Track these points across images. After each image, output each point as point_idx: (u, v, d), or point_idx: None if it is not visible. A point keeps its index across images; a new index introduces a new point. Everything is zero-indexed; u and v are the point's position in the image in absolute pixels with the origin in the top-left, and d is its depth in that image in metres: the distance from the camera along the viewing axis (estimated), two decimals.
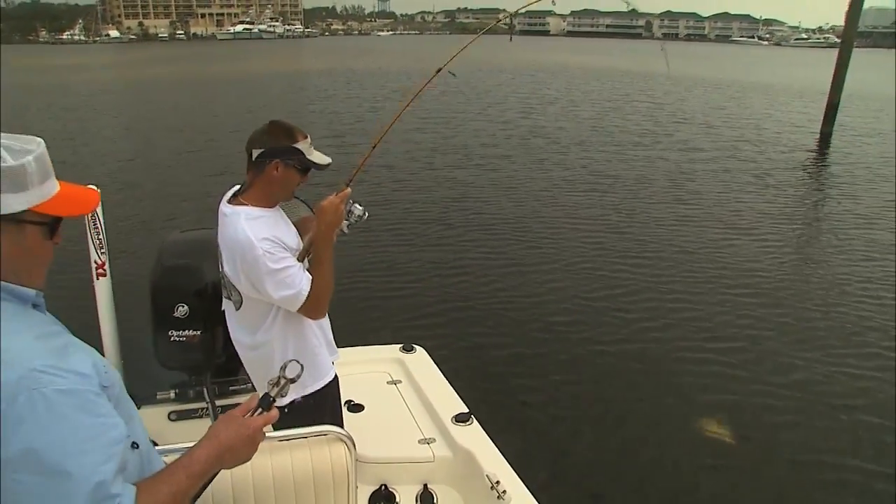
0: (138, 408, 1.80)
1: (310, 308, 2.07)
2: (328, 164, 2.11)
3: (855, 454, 4.01)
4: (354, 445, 1.92)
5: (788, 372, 5.01)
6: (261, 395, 1.30)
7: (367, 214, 2.21)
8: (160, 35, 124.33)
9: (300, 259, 2.11)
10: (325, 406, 2.28)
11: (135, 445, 1.16)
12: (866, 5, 17.40)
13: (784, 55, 74.94)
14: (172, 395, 2.93)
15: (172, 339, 2.63)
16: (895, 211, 9.90)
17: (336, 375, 2.35)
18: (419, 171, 12.23)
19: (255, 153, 2.04)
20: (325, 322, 2.33)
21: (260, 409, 1.28)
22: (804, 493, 3.74)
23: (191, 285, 2.62)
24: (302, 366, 1.38)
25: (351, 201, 2.16)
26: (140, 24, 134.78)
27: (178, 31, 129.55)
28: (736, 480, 3.81)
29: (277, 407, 1.33)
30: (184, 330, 2.63)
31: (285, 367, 1.35)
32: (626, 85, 31.37)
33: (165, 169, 12.28)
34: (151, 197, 10.04)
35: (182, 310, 2.59)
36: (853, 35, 16.82)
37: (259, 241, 1.97)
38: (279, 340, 2.16)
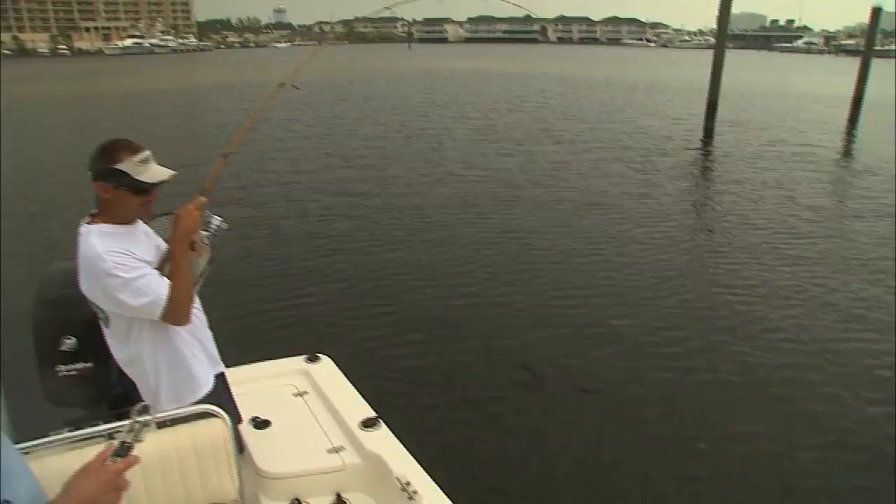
0: (27, 453, 1.78)
1: (171, 313, 2.07)
2: (162, 182, 2.07)
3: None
4: (229, 419, 2.04)
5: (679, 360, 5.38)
6: (116, 444, 1.27)
7: (226, 226, 2.27)
8: (39, 50, 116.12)
9: (159, 267, 2.12)
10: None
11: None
12: (738, 10, 18.86)
13: (670, 56, 79.58)
14: (66, 433, 2.79)
15: (61, 374, 2.48)
16: (777, 190, 10.95)
17: (217, 388, 2.35)
18: (301, 178, 12.42)
19: (90, 175, 2.07)
20: (204, 334, 2.35)
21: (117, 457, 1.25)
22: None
23: (77, 316, 2.49)
24: (148, 406, 1.42)
25: (209, 213, 2.21)
26: (15, 38, 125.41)
27: (61, 46, 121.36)
28: (645, 466, 4.04)
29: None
30: (73, 363, 2.50)
31: (134, 410, 1.36)
32: (518, 87, 32.38)
33: (53, 194, 11.51)
34: (29, 226, 9.42)
35: (69, 342, 2.47)
36: (724, 38, 18.21)
37: (107, 254, 1.97)
38: (149, 353, 2.17)
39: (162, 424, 2.05)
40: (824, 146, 15.94)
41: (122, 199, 2.05)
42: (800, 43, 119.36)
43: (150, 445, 1.90)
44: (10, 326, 2.80)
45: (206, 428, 2.03)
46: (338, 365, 3.35)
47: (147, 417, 1.96)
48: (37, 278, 2.64)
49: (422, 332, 5.77)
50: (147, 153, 2.07)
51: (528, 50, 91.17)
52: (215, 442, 2.02)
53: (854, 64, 21.39)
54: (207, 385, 2.31)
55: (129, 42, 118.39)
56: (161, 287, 2.03)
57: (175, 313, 2.08)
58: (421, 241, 8.39)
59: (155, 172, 2.07)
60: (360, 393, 3.09)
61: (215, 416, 2.05)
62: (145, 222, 2.31)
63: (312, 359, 3.40)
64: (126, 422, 1.95)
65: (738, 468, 3.94)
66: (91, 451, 1.82)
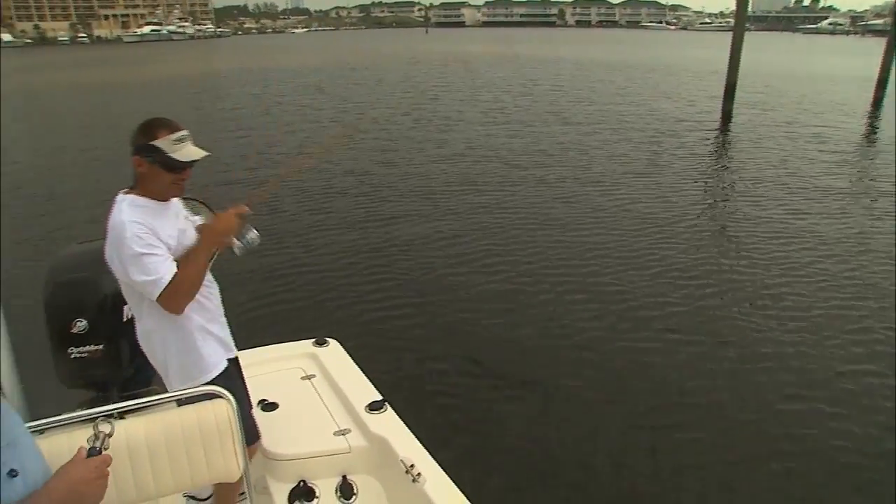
0: (40, 431, 1.83)
1: (166, 298, 2.08)
2: (194, 161, 2.13)
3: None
4: (234, 401, 2.07)
5: (702, 351, 5.32)
6: (87, 448, 1.37)
7: (259, 241, 2.28)
8: (60, 38, 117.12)
9: (179, 254, 2.15)
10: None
11: (13, 473, 1.15)
12: None
13: (690, 38, 78.37)
14: (77, 412, 2.86)
15: (73, 356, 2.55)
16: (794, 173, 10.77)
17: (229, 372, 2.38)
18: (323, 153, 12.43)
19: (130, 148, 2.12)
20: (217, 319, 2.38)
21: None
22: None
23: (88, 298, 2.55)
24: (112, 422, 1.53)
25: (248, 225, 2.24)
26: (36, 26, 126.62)
27: (80, 34, 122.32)
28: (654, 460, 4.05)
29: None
30: (85, 345, 2.56)
31: (97, 423, 1.49)
32: (539, 70, 32.12)
33: (63, 180, 11.71)
34: (47, 210, 9.58)
35: (80, 325, 2.53)
36: (744, 18, 17.86)
37: (130, 224, 2.04)
38: (159, 330, 2.21)
39: (167, 404, 2.09)
40: (846, 128, 15.65)
41: (156, 175, 2.11)
42: (824, 24, 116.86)
43: (156, 425, 1.95)
44: (24, 310, 2.85)
45: (212, 409, 2.05)
46: (345, 349, 3.39)
47: (152, 399, 2.02)
48: (49, 262, 2.70)
49: (430, 316, 5.81)
50: (184, 132, 2.13)
51: (545, 34, 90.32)
52: (220, 423, 2.04)
53: (881, 45, 20.80)
54: (217, 367, 2.34)
55: (146, 29, 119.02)
56: (166, 271, 2.06)
57: (170, 299, 2.09)
58: (427, 225, 8.42)
59: (188, 151, 2.13)
60: (367, 377, 3.12)
61: (220, 397, 2.08)
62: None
63: (320, 342, 3.44)
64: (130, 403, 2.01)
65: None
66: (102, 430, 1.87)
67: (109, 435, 1.46)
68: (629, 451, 4.02)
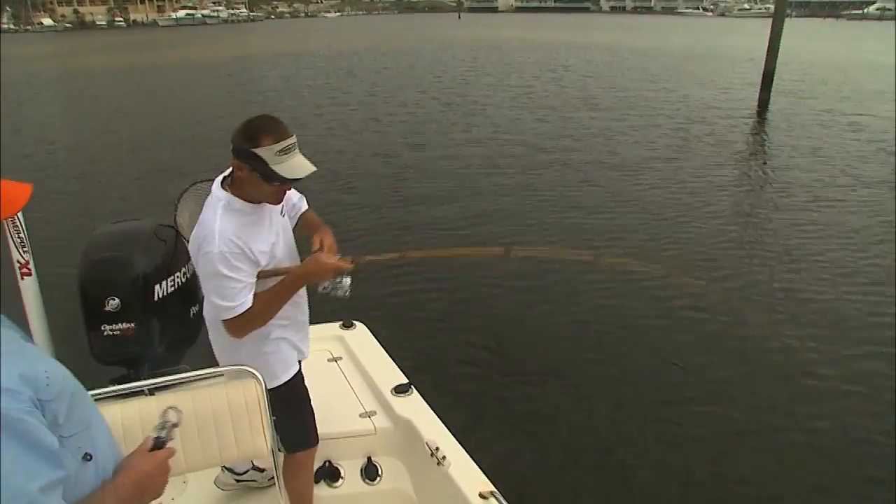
0: None
1: (232, 325, 2.02)
2: (299, 178, 1.93)
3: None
4: (262, 379, 2.11)
5: (735, 341, 5.24)
6: (153, 438, 1.37)
7: (348, 294, 2.17)
8: (98, 22, 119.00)
9: (262, 276, 2.05)
10: (290, 398, 2.32)
11: (87, 457, 1.14)
12: None
13: (728, 25, 76.40)
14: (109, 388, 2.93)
15: (106, 333, 2.60)
16: (832, 166, 10.45)
17: (298, 376, 2.36)
18: (350, 136, 12.78)
19: (231, 146, 1.95)
20: (297, 323, 2.32)
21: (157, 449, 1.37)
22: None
23: (121, 277, 2.60)
24: (181, 411, 1.46)
25: (345, 275, 2.14)
26: (75, 11, 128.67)
27: (118, 18, 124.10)
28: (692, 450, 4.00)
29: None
30: (117, 323, 2.61)
31: (166, 412, 1.45)
32: (570, 56, 31.68)
33: (101, 162, 11.98)
34: (87, 190, 9.85)
35: (113, 303, 2.58)
36: (784, 5, 17.27)
37: (221, 239, 1.90)
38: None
39: (196, 382, 2.13)
40: (886, 118, 15.15)
41: (256, 183, 1.94)
42: (871, 9, 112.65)
43: (187, 401, 1.99)
44: (60, 287, 2.92)
45: (241, 388, 2.09)
46: (372, 332, 3.41)
47: (183, 375, 2.04)
48: (85, 241, 2.76)
49: (457, 301, 5.82)
50: (291, 141, 1.91)
51: (579, 20, 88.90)
52: (249, 401, 2.08)
53: None
54: (286, 374, 2.31)
55: (182, 13, 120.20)
56: (243, 303, 1.98)
57: (236, 329, 2.04)
58: (454, 207, 8.46)
59: (294, 167, 1.92)
60: (394, 360, 3.14)
61: (251, 376, 2.11)
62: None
63: (347, 325, 3.47)
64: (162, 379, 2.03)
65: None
66: (131, 405, 1.91)
67: (176, 425, 1.42)
68: (652, 439, 4.01)
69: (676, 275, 6.14)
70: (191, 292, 2.84)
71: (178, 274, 2.79)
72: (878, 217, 8.02)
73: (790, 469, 3.74)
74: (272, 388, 2.23)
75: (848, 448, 3.90)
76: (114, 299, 2.57)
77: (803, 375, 4.65)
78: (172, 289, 2.75)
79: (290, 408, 2.34)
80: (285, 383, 2.29)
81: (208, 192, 2.10)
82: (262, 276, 2.05)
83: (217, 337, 2.23)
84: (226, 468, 2.64)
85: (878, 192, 9.15)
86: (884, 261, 6.63)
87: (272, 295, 2.06)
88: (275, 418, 2.24)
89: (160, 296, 2.69)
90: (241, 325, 2.02)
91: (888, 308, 5.59)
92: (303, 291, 2.30)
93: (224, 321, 2.02)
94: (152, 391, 2.14)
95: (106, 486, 1.19)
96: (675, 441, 3.99)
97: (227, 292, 1.95)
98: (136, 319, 2.61)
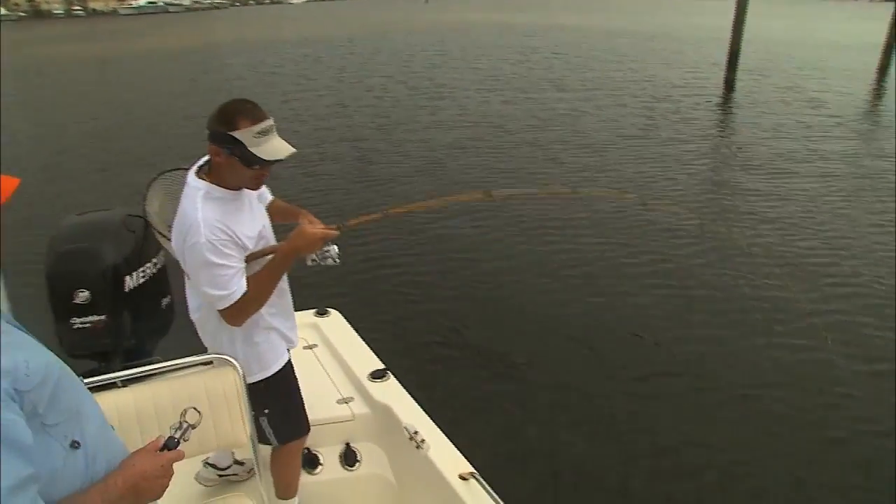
0: None
1: (230, 313, 1.99)
2: (279, 160, 1.91)
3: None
4: (240, 367, 2.09)
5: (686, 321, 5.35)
6: (167, 437, 1.33)
7: (337, 262, 2.13)
8: (55, 12, 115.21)
9: (249, 259, 2.02)
10: (282, 387, 2.30)
11: (75, 445, 1.12)
12: None
13: (697, 5, 77.02)
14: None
15: (76, 326, 2.57)
16: (797, 143, 10.69)
17: (288, 366, 2.35)
18: (318, 121, 12.79)
19: (207, 133, 1.92)
20: (285, 313, 2.30)
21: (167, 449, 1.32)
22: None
23: (90, 269, 2.56)
24: (200, 413, 1.43)
25: (331, 243, 2.10)
26: None
27: (76, 7, 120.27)
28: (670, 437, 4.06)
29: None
30: (87, 316, 2.57)
31: (185, 412, 1.42)
32: (536, 38, 31.65)
33: (65, 153, 11.70)
34: (52, 181, 9.61)
35: (83, 295, 2.54)
36: None
37: (207, 228, 1.87)
38: (218, 324, 2.11)
39: (175, 371, 2.10)
40: (849, 95, 15.48)
41: (235, 168, 1.91)
42: None
43: (163, 390, 1.97)
44: (27, 281, 2.86)
45: (219, 377, 2.07)
46: (347, 319, 3.39)
47: (157, 366, 2.02)
48: (50, 233, 2.70)
49: (429, 285, 5.85)
50: (269, 123, 1.90)
51: (547, 0, 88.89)
52: (227, 389, 2.06)
53: (890, 11, 20.38)
54: (277, 364, 2.29)
55: (143, 1, 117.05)
56: (238, 289, 1.94)
57: (234, 316, 2.01)
58: (422, 189, 8.47)
59: (273, 147, 1.90)
60: (369, 346, 3.14)
61: (228, 365, 2.09)
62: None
63: (322, 312, 3.45)
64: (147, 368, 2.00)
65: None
66: (104, 398, 1.89)
67: (193, 427, 1.38)
68: (621, 420, 4.07)
69: (653, 204, 7.04)
70: (162, 282, 2.80)
71: (148, 265, 2.75)
72: (836, 184, 8.47)
73: (762, 437, 3.84)
74: (265, 379, 2.22)
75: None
76: (83, 291, 2.53)
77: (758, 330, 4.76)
78: (143, 279, 2.71)
79: (283, 397, 2.33)
80: (277, 372, 2.28)
81: (178, 181, 2.07)
82: (249, 259, 2.03)
83: (207, 331, 2.20)
84: (208, 464, 2.61)
85: (835, 164, 9.54)
86: (847, 221, 7.13)
87: (265, 275, 2.03)
88: (267, 410, 2.24)
89: (131, 287, 2.65)
90: (239, 312, 1.99)
91: (848, 261, 6.07)
92: (286, 279, 2.28)
93: (222, 311, 1.98)
94: (126, 383, 2.11)
95: (96, 485, 1.15)
96: (655, 415, 4.06)
97: (220, 280, 1.92)
98: (106, 311, 2.58)
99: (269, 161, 1.90)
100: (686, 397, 4.23)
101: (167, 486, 1.28)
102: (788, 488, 3.48)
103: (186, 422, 1.39)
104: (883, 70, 19.06)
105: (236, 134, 1.85)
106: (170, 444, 1.31)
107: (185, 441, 1.35)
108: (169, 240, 2.22)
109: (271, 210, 2.34)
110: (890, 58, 19.31)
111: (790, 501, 3.40)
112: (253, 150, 1.86)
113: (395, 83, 18.05)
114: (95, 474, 1.18)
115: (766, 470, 3.59)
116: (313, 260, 2.11)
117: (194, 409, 1.44)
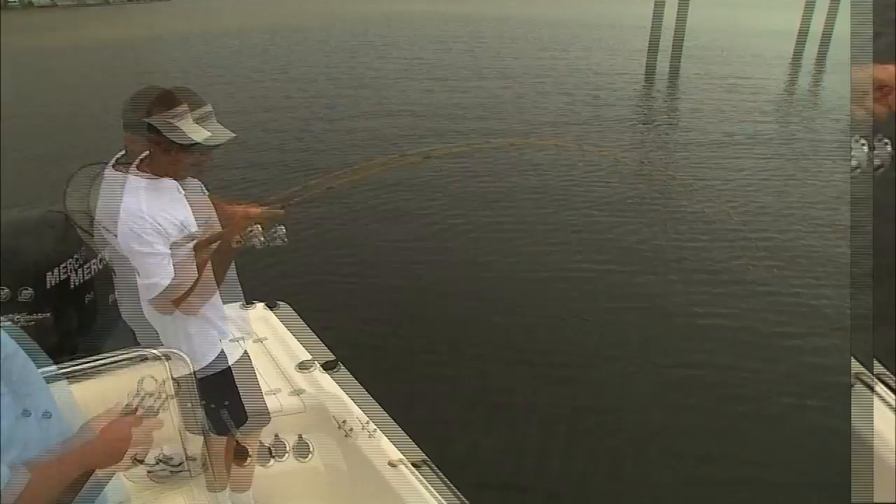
0: None
1: (159, 301, 1.94)
2: (216, 145, 1.89)
3: None
4: (169, 364, 2.05)
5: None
6: (124, 405, 1.34)
7: (285, 242, 2.04)
8: None
9: (197, 248, 1.97)
10: (221, 378, 2.23)
11: (48, 415, 1.20)
12: None
13: None
14: None
15: (20, 324, 2.46)
16: (711, 125, 11.27)
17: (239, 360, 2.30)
18: (263, 113, 12.53)
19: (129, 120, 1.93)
20: (217, 305, 2.22)
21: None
22: None
23: (30, 267, 2.50)
24: (157, 380, 1.42)
25: (278, 224, 2.02)
26: None
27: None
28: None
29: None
30: (31, 314, 2.51)
31: (142, 380, 1.42)
32: (458, 28, 31.59)
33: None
34: None
35: (26, 293, 2.47)
36: None
37: (129, 217, 1.85)
38: (150, 316, 2.05)
39: (105, 368, 2.02)
40: (767, 80, 16.26)
41: (173, 155, 1.88)
42: None
43: (91, 389, 1.89)
44: None
45: (149, 372, 1.97)
46: (296, 311, 3.34)
47: (80, 362, 1.91)
48: None
49: (377, 276, 5.83)
50: (208, 108, 1.90)
51: None
52: (158, 385, 1.98)
53: None
54: (208, 357, 2.20)
55: None
56: (164, 275, 1.90)
57: (163, 306, 1.96)
58: (386, 192, 8.23)
59: (212, 132, 1.89)
60: (319, 337, 3.10)
61: (159, 359, 2.03)
62: None
63: (271, 305, 3.40)
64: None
65: None
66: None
67: (151, 394, 1.37)
68: (566, 394, 4.16)
69: (589, 149, 7.67)
70: (85, 278, 2.68)
71: (70, 261, 2.66)
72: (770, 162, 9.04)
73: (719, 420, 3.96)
74: (202, 369, 2.16)
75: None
76: (27, 289, 2.45)
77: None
78: (65, 276, 2.60)
79: (226, 388, 2.27)
80: (214, 363, 2.21)
81: (99, 175, 2.04)
82: (197, 248, 1.99)
83: (141, 325, 2.13)
84: (161, 460, 2.48)
85: (760, 144, 10.13)
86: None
87: (187, 265, 1.97)
88: (227, 402, 2.22)
89: (52, 283, 2.56)
90: (166, 304, 1.95)
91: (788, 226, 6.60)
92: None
93: (156, 297, 1.93)
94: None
95: (71, 448, 1.18)
96: (605, 393, 4.15)
97: (149, 269, 1.89)
98: (51, 309, 2.51)
99: (210, 147, 1.89)
100: (644, 378, 4.34)
101: (125, 449, 1.26)
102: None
103: (143, 389, 1.40)
104: (797, 56, 20.13)
105: (176, 121, 1.82)
106: (127, 412, 1.33)
107: (154, 414, 1.36)
108: (91, 235, 2.17)
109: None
110: (803, 44, 20.42)
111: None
112: (193, 135, 1.84)
113: (340, 73, 17.70)
114: (61, 442, 1.21)
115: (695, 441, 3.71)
116: (262, 242, 2.04)
117: (151, 377, 1.43)
